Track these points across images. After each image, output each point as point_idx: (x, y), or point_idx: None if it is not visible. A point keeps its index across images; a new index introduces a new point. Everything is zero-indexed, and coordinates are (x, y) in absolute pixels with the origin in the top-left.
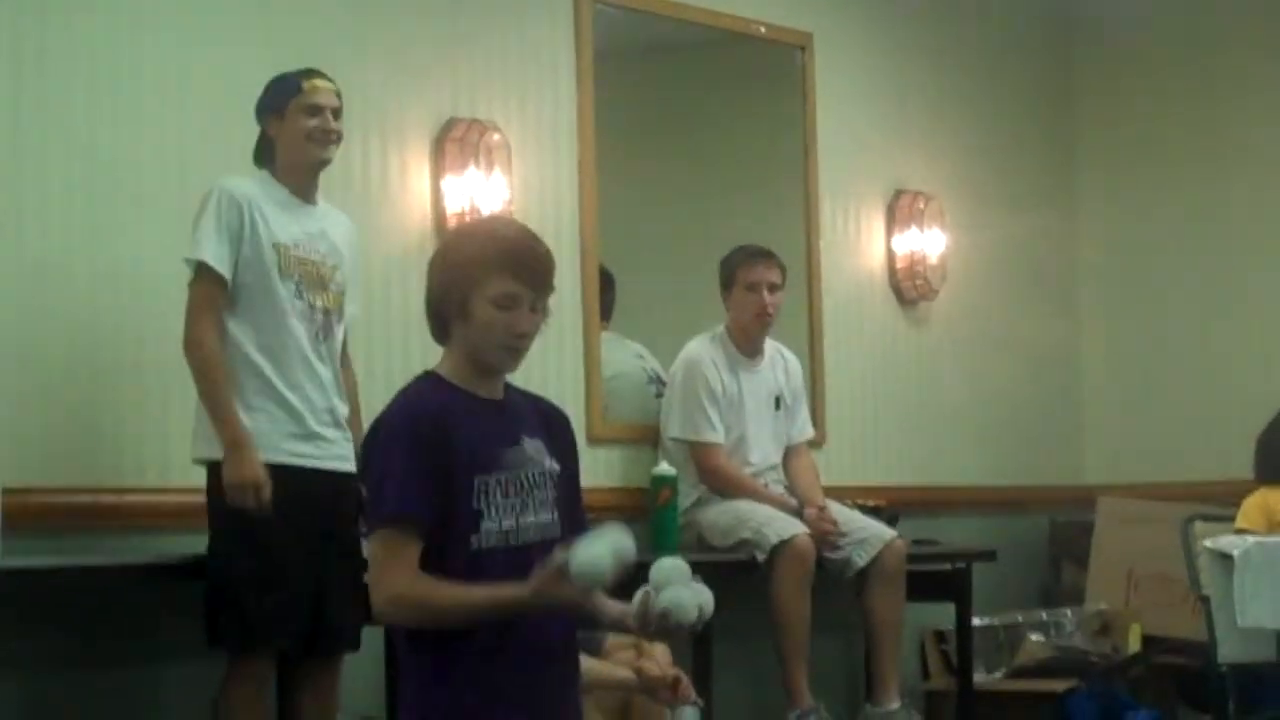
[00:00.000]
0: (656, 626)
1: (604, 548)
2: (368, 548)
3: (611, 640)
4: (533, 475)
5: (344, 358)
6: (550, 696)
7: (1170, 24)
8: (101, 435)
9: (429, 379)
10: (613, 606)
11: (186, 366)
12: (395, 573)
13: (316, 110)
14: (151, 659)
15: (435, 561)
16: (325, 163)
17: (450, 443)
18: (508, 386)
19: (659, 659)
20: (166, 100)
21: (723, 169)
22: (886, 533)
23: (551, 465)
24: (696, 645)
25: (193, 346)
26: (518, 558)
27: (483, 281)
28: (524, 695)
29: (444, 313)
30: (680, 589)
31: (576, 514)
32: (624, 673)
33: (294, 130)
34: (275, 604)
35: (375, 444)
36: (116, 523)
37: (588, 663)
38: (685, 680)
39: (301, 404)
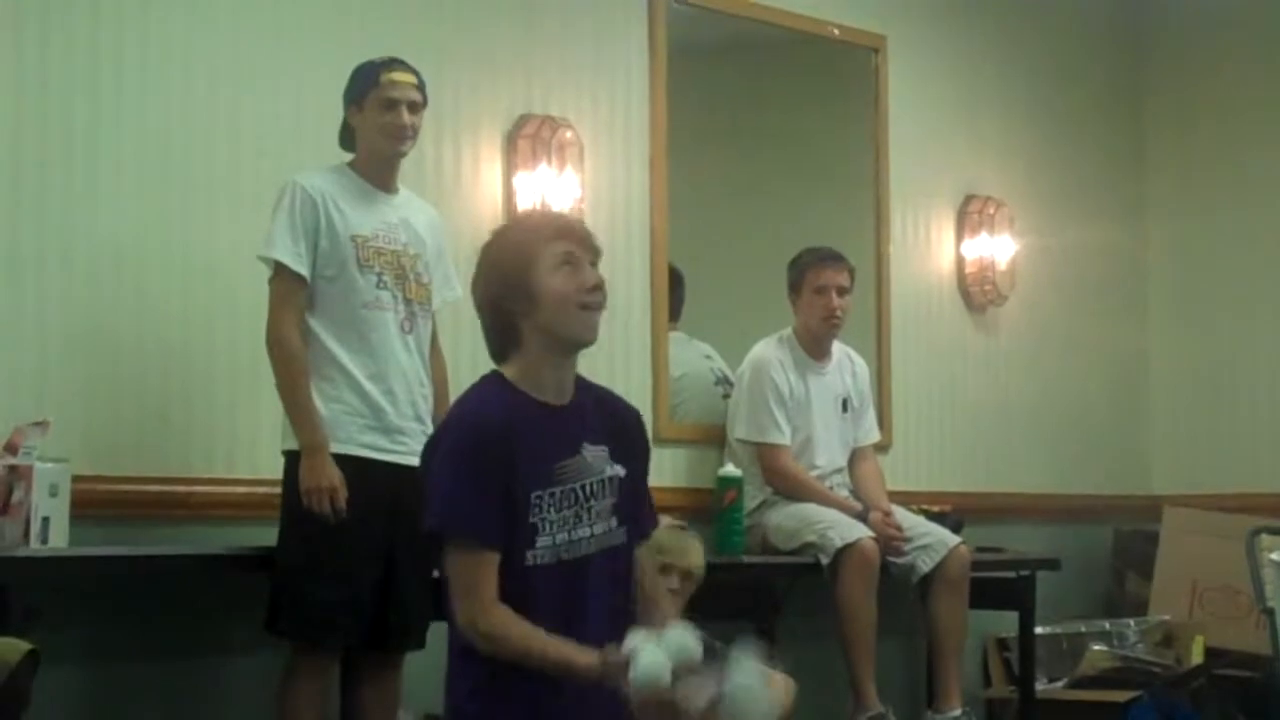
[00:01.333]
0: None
1: (664, 658)
2: (446, 559)
3: None
4: (590, 486)
5: (434, 348)
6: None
7: (1242, 30)
8: (171, 425)
9: (494, 381)
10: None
11: (256, 357)
12: (476, 602)
13: (392, 105)
14: (216, 650)
15: None
16: (400, 156)
17: (512, 458)
18: (577, 387)
19: None
20: (242, 90)
21: (793, 170)
22: (951, 539)
23: (614, 471)
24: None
25: (274, 344)
26: (571, 571)
27: (537, 255)
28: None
29: (507, 310)
30: (649, 650)
31: (643, 515)
32: None
33: (370, 123)
34: (340, 597)
35: (438, 452)
36: (184, 513)
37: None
38: None
39: (383, 397)
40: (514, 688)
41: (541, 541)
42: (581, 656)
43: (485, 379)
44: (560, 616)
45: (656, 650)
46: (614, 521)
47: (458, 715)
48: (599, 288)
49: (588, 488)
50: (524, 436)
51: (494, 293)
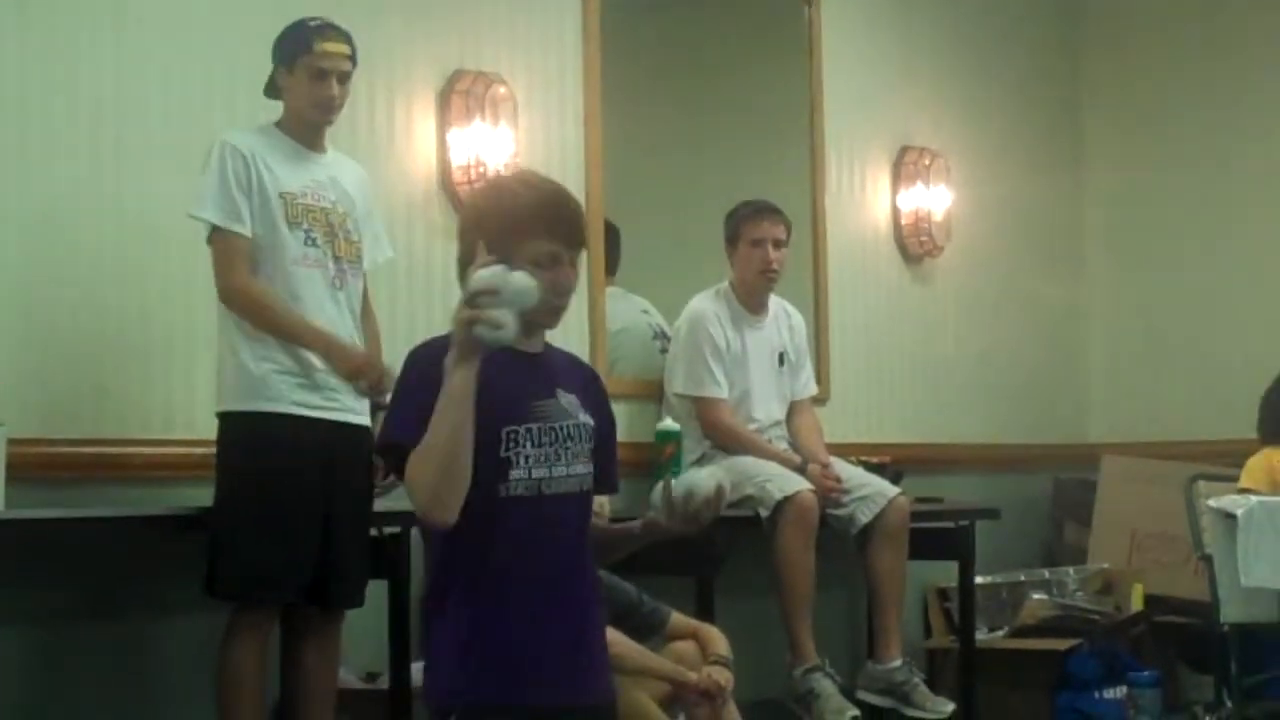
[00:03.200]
0: (681, 510)
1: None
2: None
3: (674, 620)
4: (567, 427)
5: (365, 307)
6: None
7: None
8: (107, 387)
9: None
10: (635, 522)
11: (192, 317)
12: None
13: (323, 75)
14: (156, 611)
15: (465, 513)
16: (326, 125)
17: (479, 393)
18: (548, 345)
19: (717, 646)
20: (173, 47)
21: (729, 124)
22: (890, 490)
23: (586, 419)
24: (699, 600)
25: (236, 295)
26: (548, 508)
27: (521, 243)
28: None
29: None
30: (693, 470)
31: (610, 472)
32: (669, 668)
33: (299, 89)
34: (278, 555)
35: (402, 374)
36: (121, 474)
37: (638, 649)
38: (721, 688)
39: (314, 354)
40: (490, 640)
41: (515, 474)
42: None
43: None
44: (528, 548)
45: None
46: (589, 467)
47: (436, 670)
48: (568, 293)
49: (565, 428)
50: (495, 375)
51: (476, 248)
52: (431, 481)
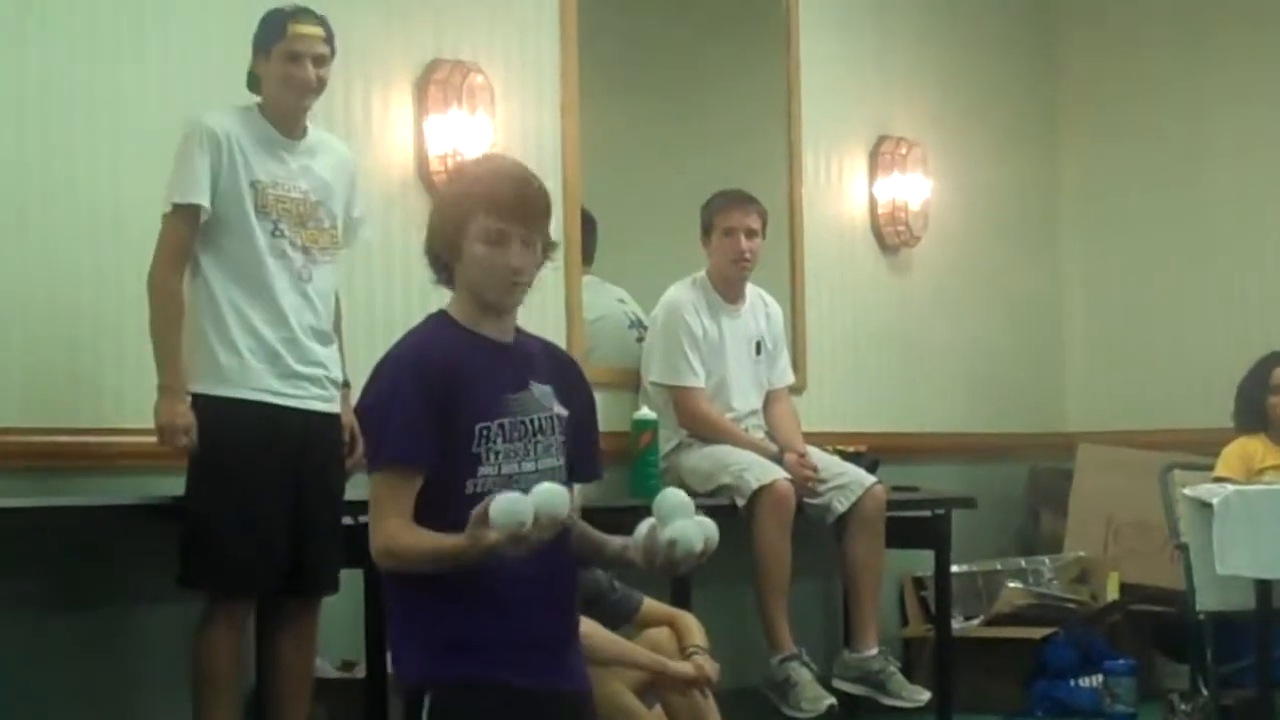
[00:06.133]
0: (663, 559)
1: (528, 501)
2: (369, 488)
3: (646, 607)
4: (539, 420)
5: (336, 313)
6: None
7: None
8: (81, 376)
9: (439, 319)
10: (614, 541)
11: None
12: (392, 520)
13: (297, 58)
14: (131, 601)
15: (431, 506)
16: (303, 110)
17: (455, 390)
18: (519, 329)
19: (694, 635)
20: (147, 38)
21: (706, 113)
22: (866, 479)
23: (559, 410)
24: (676, 591)
25: (156, 287)
26: None
27: (468, 220)
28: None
29: (440, 254)
30: (685, 521)
31: (589, 459)
32: (650, 658)
33: (275, 74)
34: (252, 545)
35: (380, 381)
36: (97, 463)
37: (612, 638)
38: (709, 678)
39: (281, 343)
40: (461, 625)
41: (484, 471)
42: (452, 539)
43: (431, 317)
44: None
45: (523, 497)
46: (560, 459)
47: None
48: (520, 272)
49: (537, 421)
50: (469, 370)
51: (433, 232)
52: (397, 560)
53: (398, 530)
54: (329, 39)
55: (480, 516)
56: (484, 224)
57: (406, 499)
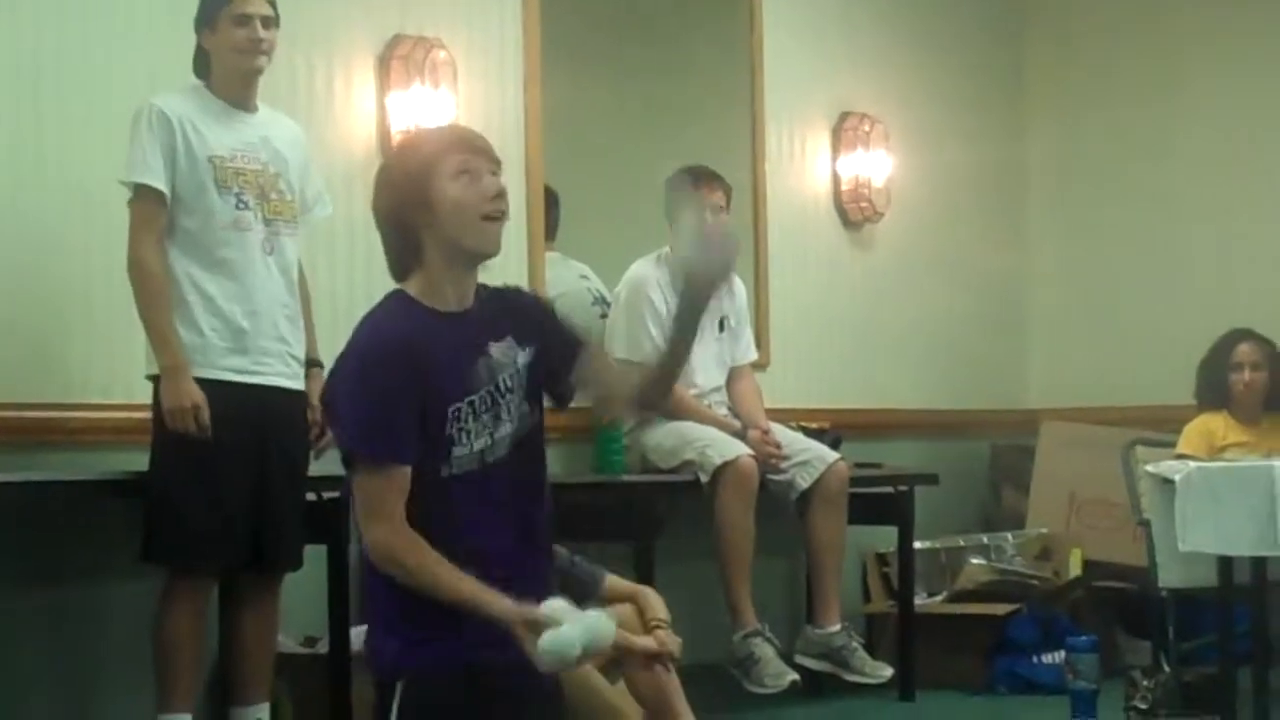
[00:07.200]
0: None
1: (577, 640)
2: (354, 487)
3: (609, 583)
4: (504, 382)
5: (301, 283)
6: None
7: None
8: (47, 353)
9: (397, 299)
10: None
11: (129, 284)
12: (386, 524)
13: (245, 20)
14: (95, 576)
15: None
16: (257, 72)
17: (422, 374)
18: (477, 295)
19: (657, 610)
20: (113, 16)
21: (669, 89)
22: (829, 455)
23: (522, 359)
24: (638, 565)
25: (134, 266)
26: (488, 476)
27: (435, 169)
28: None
29: (408, 223)
30: (562, 629)
31: (570, 358)
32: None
33: (224, 41)
34: (215, 521)
35: (348, 372)
36: (61, 439)
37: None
38: (671, 652)
39: (245, 318)
40: (436, 608)
41: (458, 452)
42: (496, 603)
43: (388, 297)
44: (476, 523)
45: (573, 629)
46: (526, 407)
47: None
48: (500, 196)
49: (502, 384)
50: (431, 352)
51: (395, 203)
52: (401, 573)
53: (408, 546)
54: (273, 3)
55: (530, 623)
56: (452, 163)
57: (396, 499)
